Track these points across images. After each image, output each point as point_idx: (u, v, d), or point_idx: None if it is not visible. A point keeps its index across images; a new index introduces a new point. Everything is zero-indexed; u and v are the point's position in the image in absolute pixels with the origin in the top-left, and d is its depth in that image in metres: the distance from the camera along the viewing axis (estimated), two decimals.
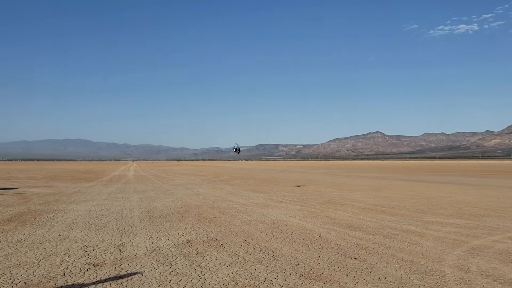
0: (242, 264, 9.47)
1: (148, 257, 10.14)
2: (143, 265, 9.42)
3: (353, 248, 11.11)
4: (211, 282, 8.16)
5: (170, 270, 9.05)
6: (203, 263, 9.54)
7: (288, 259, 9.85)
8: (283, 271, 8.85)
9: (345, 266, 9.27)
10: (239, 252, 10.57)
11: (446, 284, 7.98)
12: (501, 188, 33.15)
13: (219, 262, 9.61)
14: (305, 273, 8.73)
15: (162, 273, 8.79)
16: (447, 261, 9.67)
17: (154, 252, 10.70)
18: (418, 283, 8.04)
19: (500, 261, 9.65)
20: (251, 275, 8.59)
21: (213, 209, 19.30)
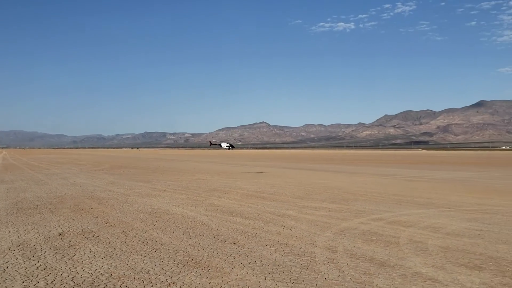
0: (118, 255, 9.13)
1: (12, 252, 9.27)
2: (6, 261, 8.59)
3: (233, 233, 11.37)
4: (83, 275, 7.73)
5: (37, 264, 8.38)
6: (75, 256, 9.00)
7: (167, 248, 9.74)
8: (161, 260, 8.73)
9: (224, 251, 9.45)
10: (116, 243, 10.17)
11: (315, 264, 8.56)
12: (368, 175, 36.52)
13: (93, 254, 9.15)
14: (184, 260, 8.72)
15: (28, 268, 8.10)
16: (318, 242, 10.39)
17: (20, 246, 9.82)
18: (290, 264, 8.50)
19: (363, 241, 10.63)
20: (128, 266, 8.33)
21: (90, 200, 18.30)
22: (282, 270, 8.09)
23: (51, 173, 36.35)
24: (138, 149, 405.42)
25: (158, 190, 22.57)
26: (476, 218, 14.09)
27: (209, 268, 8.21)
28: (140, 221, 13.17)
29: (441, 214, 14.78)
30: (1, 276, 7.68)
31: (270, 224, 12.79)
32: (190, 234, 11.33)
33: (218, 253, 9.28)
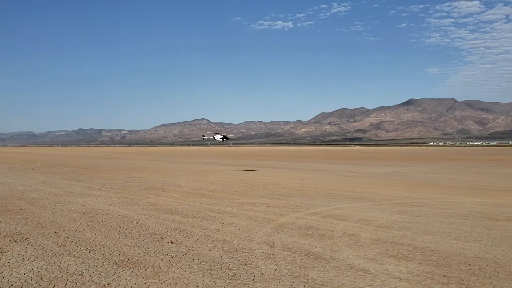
0: (49, 257, 8.74)
1: None
2: None
3: (171, 232, 11.26)
4: (10, 280, 7.34)
5: None
6: (2, 260, 8.51)
7: (102, 249, 9.46)
8: (96, 261, 8.47)
9: (161, 250, 9.34)
10: (47, 245, 9.73)
11: (253, 259, 8.69)
12: (306, 170, 37.47)
13: (22, 258, 8.70)
14: (119, 261, 8.51)
15: None
16: (256, 238, 10.54)
17: None
18: (229, 260, 8.57)
19: (300, 235, 10.93)
20: (60, 268, 8.00)
21: (19, 200, 17.33)
22: (220, 267, 8.14)
23: None
24: (71, 147, 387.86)
25: (93, 189, 21.81)
26: (405, 210, 14.92)
27: (145, 267, 8.09)
28: (73, 222, 12.68)
29: (373, 208, 15.51)
30: None
31: (209, 221, 12.80)
32: (126, 233, 11.08)
33: (155, 252, 9.16)
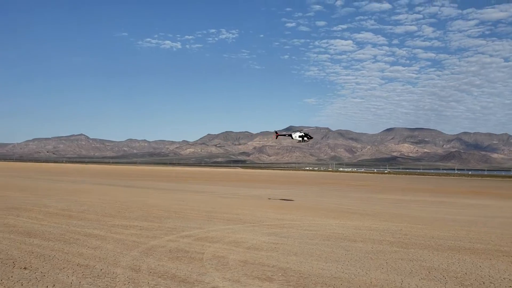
0: None
1: None
2: None
3: (27, 257, 10.28)
4: None
5: None
6: None
7: None
8: None
9: (10, 278, 8.46)
10: None
11: (115, 285, 8.30)
12: (188, 192, 37.17)
13: None
14: None
15: None
16: (122, 262, 10.11)
17: None
18: (88, 287, 8.08)
19: (169, 259, 10.74)
20: None
21: None
22: None
23: None
24: None
25: None
26: (275, 232, 15.54)
27: None
28: None
29: (246, 229, 15.90)
30: None
31: (73, 245, 11.96)
32: None
33: (3, 280, 8.28)
